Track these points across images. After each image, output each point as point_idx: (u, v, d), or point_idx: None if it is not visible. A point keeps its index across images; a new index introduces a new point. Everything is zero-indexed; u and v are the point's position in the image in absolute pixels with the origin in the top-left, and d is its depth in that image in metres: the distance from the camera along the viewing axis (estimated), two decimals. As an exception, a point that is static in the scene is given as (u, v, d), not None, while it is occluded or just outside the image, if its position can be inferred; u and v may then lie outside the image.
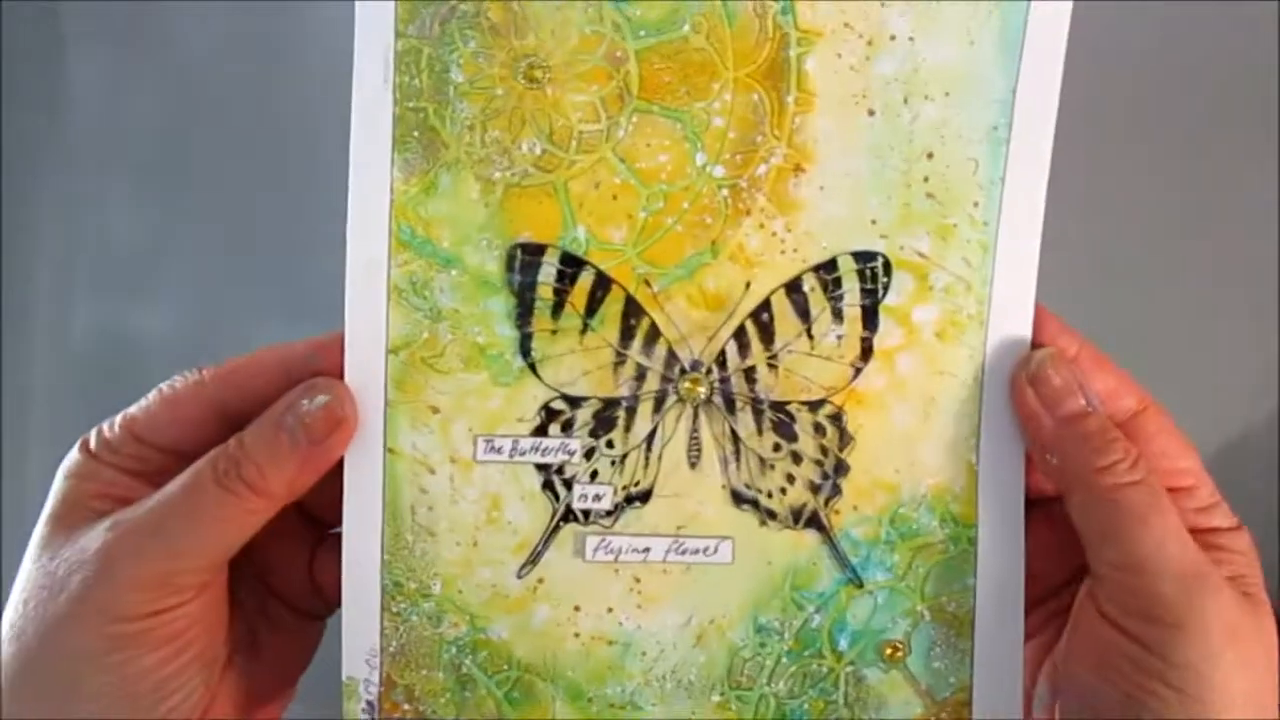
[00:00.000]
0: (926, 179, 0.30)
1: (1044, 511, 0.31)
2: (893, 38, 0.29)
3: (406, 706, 0.30)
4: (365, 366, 0.30)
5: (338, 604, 0.31)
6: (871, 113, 0.29)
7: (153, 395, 0.30)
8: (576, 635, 0.31)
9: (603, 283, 0.30)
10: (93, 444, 0.29)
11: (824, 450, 0.31)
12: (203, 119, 0.52)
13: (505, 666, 0.30)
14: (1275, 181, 0.47)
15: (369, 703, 0.30)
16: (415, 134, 0.29)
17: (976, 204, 0.30)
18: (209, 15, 0.51)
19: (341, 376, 0.29)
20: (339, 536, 0.30)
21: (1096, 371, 0.30)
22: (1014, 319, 0.30)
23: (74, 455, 0.30)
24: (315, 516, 0.32)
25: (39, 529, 0.29)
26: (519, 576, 0.30)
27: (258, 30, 0.51)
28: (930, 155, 0.30)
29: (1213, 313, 0.47)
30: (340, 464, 0.30)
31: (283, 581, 0.32)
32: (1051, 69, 0.29)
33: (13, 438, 0.56)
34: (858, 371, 0.30)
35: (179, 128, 0.52)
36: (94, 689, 0.27)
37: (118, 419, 0.30)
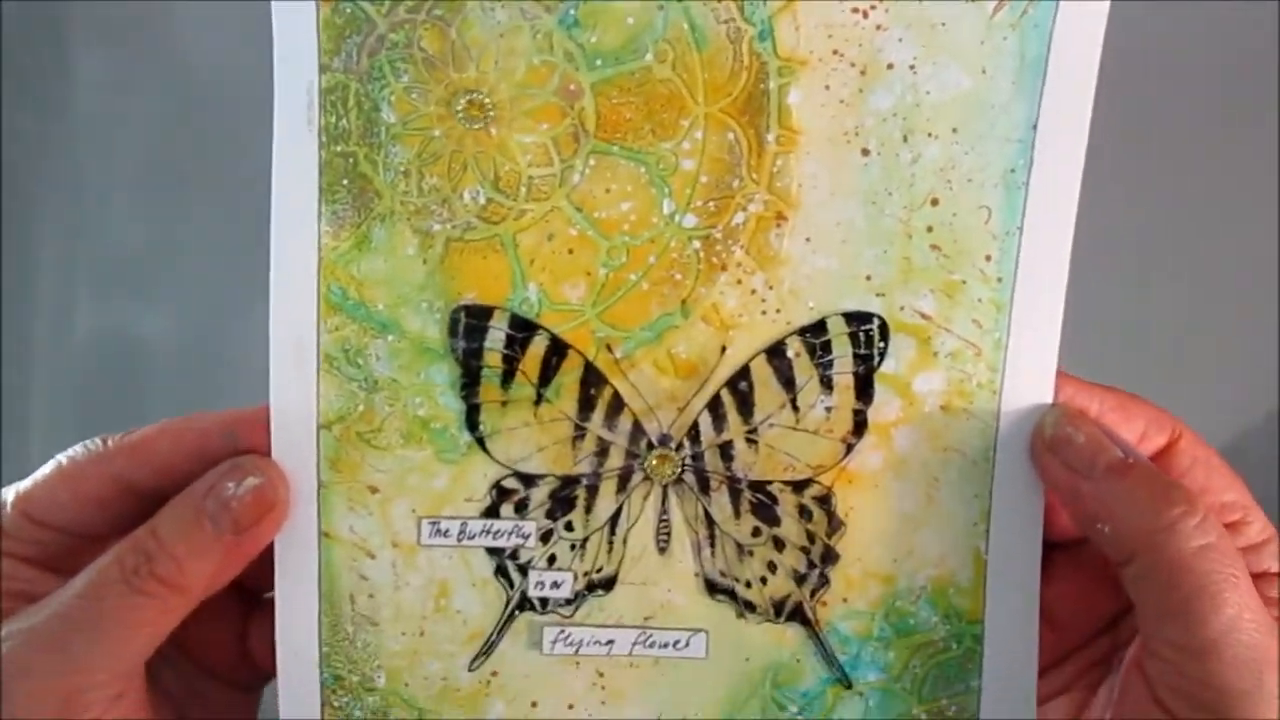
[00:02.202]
0: (930, 229, 0.25)
1: (1067, 556, 0.27)
2: (890, 66, 0.25)
3: (352, 806, 0.28)
4: (295, 444, 0.27)
5: (274, 673, 0.28)
6: (866, 152, 0.25)
7: (50, 469, 0.27)
8: (534, 734, 0.28)
9: (558, 349, 0.26)
10: None
11: (810, 536, 0.27)
12: (203, 119, 0.50)
13: (457, 766, 0.28)
14: (1275, 181, 0.45)
15: (312, 803, 0.28)
16: (344, 182, 0.26)
17: (989, 258, 0.25)
18: (209, 15, 0.49)
19: (267, 454, 0.27)
20: (273, 602, 0.28)
21: (1123, 421, 0.26)
22: (1032, 387, 0.26)
23: None
24: (245, 585, 0.30)
25: None
26: (471, 669, 0.28)
27: (258, 30, 0.49)
28: (935, 201, 0.25)
29: (1213, 313, 0.47)
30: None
31: (212, 657, 0.29)
32: (1081, 100, 0.24)
33: (13, 438, 0.56)
34: (850, 448, 0.27)
35: (179, 128, 0.51)
36: None
37: (10, 497, 0.27)
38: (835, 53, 0.25)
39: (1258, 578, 0.25)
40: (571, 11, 0.25)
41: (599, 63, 0.25)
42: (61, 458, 0.27)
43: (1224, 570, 0.24)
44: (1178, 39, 0.45)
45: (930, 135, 0.25)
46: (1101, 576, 0.28)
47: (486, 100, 0.26)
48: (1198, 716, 0.23)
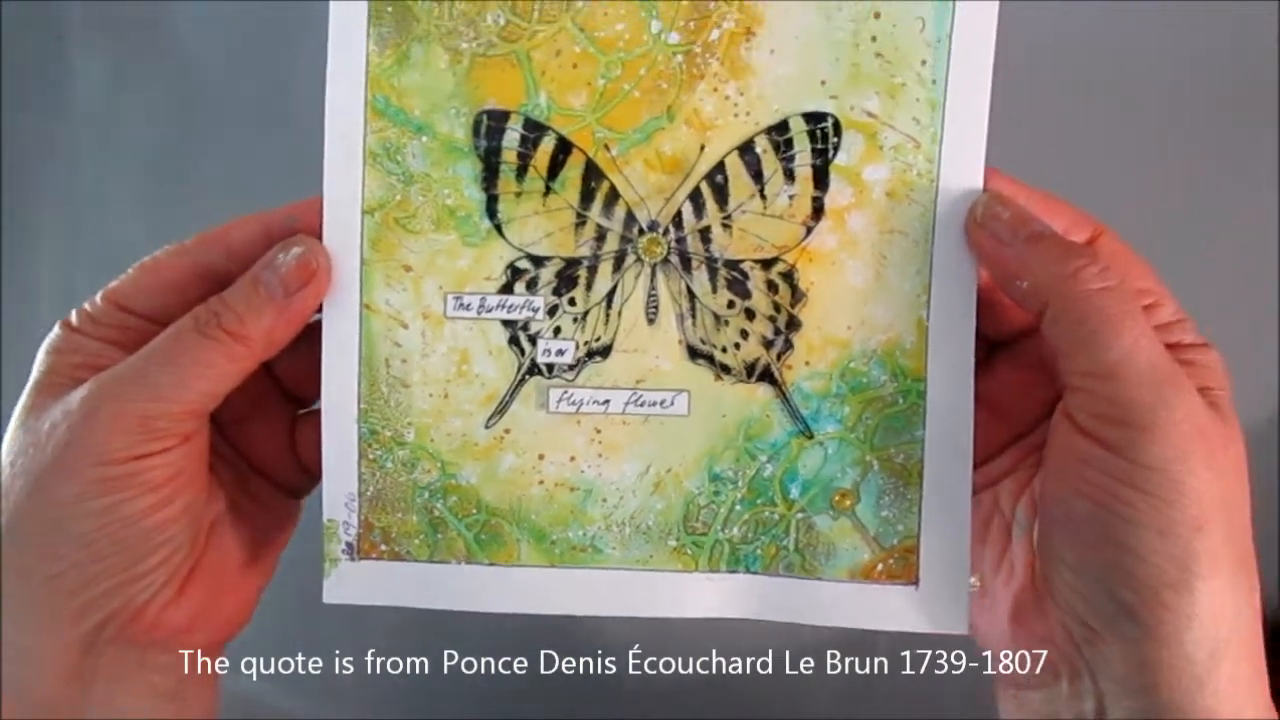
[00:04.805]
0: (874, 38, 0.30)
1: (1010, 352, 0.32)
2: (837, -101, 0.30)
3: (383, 547, 0.33)
4: (343, 226, 0.32)
5: (318, 479, 0.33)
6: (819, -25, 0.30)
7: (134, 267, 0.31)
8: (541, 482, 0.32)
9: (564, 147, 0.32)
10: (75, 319, 0.31)
11: (777, 307, 0.32)
12: (203, 119, 0.52)
13: (474, 510, 0.32)
14: (1275, 181, 0.47)
15: (348, 544, 0.32)
16: (389, 9, 0.31)
17: (924, 62, 0.30)
18: (210, 15, 0.51)
19: (320, 237, 0.32)
20: (319, 412, 0.32)
21: (1047, 214, 0.30)
22: (964, 176, 0.31)
23: (56, 332, 0.31)
24: (294, 394, 0.34)
25: (23, 400, 0.30)
26: (487, 426, 0.32)
27: (259, 30, 0.51)
28: (877, 15, 0.30)
29: (1213, 313, 0.49)
30: (318, 337, 0.32)
31: (263, 457, 0.34)
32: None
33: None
34: (809, 230, 0.31)
35: (179, 127, 0.52)
36: (81, 534, 0.28)
37: (99, 293, 0.31)
38: (791, -111, 0.30)
39: (1174, 347, 0.29)
40: None
41: (599, -95, 0.31)
42: (146, 258, 0.32)
43: (1123, 306, 0.28)
44: (1178, 39, 0.46)
45: (871, -43, 0.30)
46: (1037, 368, 0.32)
47: (506, -61, 0.31)
48: (1114, 432, 0.27)
